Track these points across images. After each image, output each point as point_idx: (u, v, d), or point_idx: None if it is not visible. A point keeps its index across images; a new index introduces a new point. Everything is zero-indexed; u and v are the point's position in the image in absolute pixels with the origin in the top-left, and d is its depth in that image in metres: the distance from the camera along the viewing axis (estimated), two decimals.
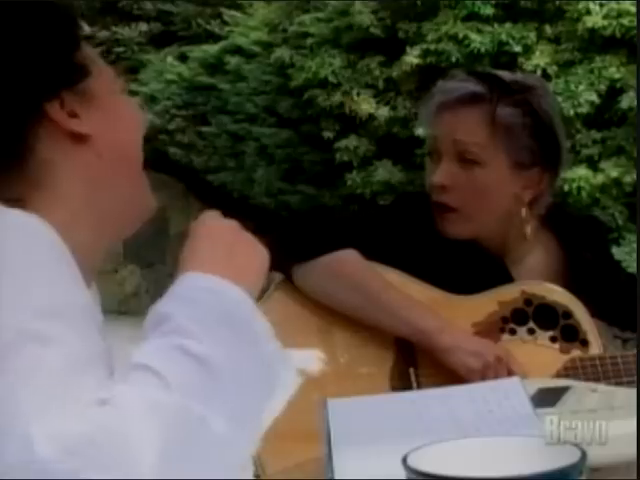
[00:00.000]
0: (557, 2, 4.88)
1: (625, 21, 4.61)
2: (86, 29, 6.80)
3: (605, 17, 4.66)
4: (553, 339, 1.51)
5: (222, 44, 6.21)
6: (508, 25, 4.90)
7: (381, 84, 5.23)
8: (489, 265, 1.56)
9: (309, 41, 5.52)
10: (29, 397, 0.74)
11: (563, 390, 1.18)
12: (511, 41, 4.86)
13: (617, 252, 4.23)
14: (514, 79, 1.58)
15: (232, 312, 0.86)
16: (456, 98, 1.53)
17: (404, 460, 0.82)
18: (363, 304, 1.49)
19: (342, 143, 5.34)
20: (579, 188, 4.60)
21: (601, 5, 4.69)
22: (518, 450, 0.86)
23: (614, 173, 4.61)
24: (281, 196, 5.81)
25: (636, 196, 4.65)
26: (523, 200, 1.55)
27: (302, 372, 0.92)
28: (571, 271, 1.60)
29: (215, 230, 0.97)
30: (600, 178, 4.64)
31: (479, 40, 4.88)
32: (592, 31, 4.71)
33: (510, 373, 1.41)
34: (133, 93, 6.75)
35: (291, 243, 1.54)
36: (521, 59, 4.86)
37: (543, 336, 1.51)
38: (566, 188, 4.55)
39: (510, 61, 4.82)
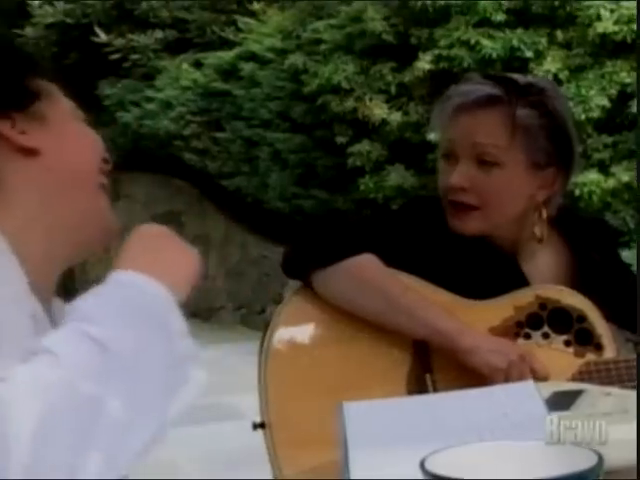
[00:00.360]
0: (568, 8, 4.90)
1: (635, 26, 4.64)
2: (102, 37, 6.86)
3: (616, 22, 4.69)
4: (567, 343, 1.50)
5: (236, 51, 6.25)
6: (519, 31, 4.93)
7: (393, 89, 5.26)
8: (503, 266, 1.56)
9: (322, 47, 5.56)
10: None
11: (577, 393, 1.18)
12: (522, 46, 4.89)
13: (629, 256, 4.24)
14: (528, 82, 1.59)
15: (147, 305, 0.92)
16: (473, 100, 1.52)
17: (422, 464, 0.83)
18: (383, 308, 1.48)
19: (355, 148, 5.36)
20: (590, 192, 4.61)
21: (612, 11, 4.72)
22: (534, 454, 0.87)
23: (625, 177, 4.63)
24: (295, 200, 5.83)
25: None
26: (537, 200, 1.55)
27: None
28: (580, 273, 1.60)
29: (145, 235, 1.03)
30: (611, 182, 4.65)
31: (491, 46, 4.91)
32: (603, 36, 4.74)
33: (533, 372, 1.41)
34: (149, 99, 6.79)
35: (309, 250, 1.54)
36: (532, 64, 4.88)
37: (557, 340, 1.51)
38: (577, 192, 4.57)
39: (521, 66, 4.84)
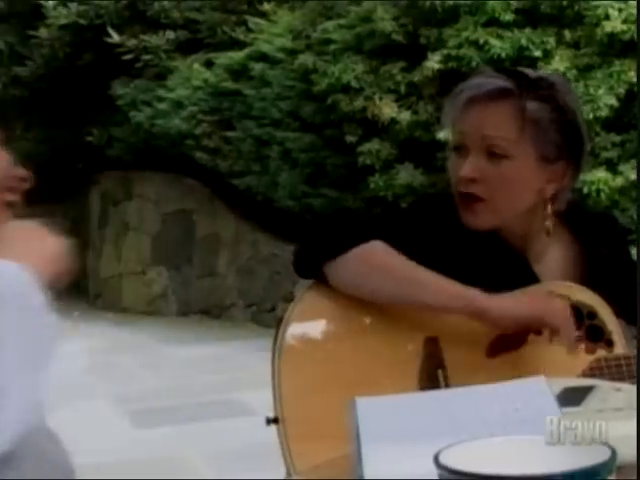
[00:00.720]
0: (576, 7, 4.91)
1: (636, 27, 4.66)
2: (115, 38, 6.90)
3: (624, 22, 4.70)
4: (578, 339, 1.51)
5: (247, 51, 6.25)
6: (528, 30, 4.94)
7: (403, 89, 5.27)
8: (513, 262, 1.56)
9: (332, 47, 5.57)
10: None
11: (588, 389, 1.19)
12: (531, 46, 4.90)
13: (636, 252, 4.27)
14: (538, 76, 1.61)
15: (6, 283, 1.01)
16: (484, 93, 1.54)
17: (436, 458, 0.85)
18: (399, 289, 1.49)
19: (364, 147, 5.37)
20: (598, 190, 4.62)
21: (620, 10, 4.73)
22: (547, 449, 0.88)
23: (633, 175, 4.62)
24: (304, 199, 5.84)
25: None
26: (546, 194, 1.56)
27: None
28: (589, 268, 1.61)
29: (10, 230, 1.14)
30: (619, 180, 4.67)
31: (499, 45, 4.92)
32: (611, 36, 4.74)
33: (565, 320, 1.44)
34: (161, 99, 6.83)
35: (319, 244, 1.55)
36: (541, 64, 4.88)
37: None
38: (585, 190, 4.58)
39: (530, 66, 4.84)
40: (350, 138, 5.48)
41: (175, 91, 6.65)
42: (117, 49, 6.91)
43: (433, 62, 5.07)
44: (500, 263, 1.55)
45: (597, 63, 4.86)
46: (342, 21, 5.63)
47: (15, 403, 0.92)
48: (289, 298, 1.56)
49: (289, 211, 5.99)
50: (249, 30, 6.39)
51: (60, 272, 1.13)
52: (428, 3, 5.17)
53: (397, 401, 1.12)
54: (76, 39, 7.35)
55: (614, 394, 1.18)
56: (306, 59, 5.66)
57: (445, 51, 5.08)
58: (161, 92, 6.77)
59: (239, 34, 6.45)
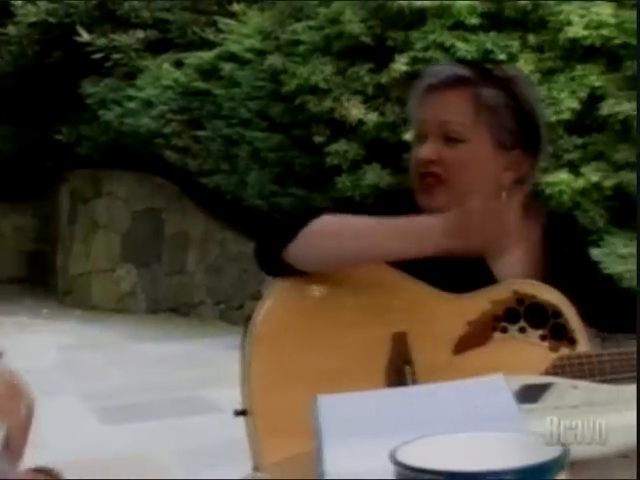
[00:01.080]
0: (540, 12, 4.98)
1: (604, 32, 4.74)
2: (85, 36, 6.90)
3: (585, 27, 4.77)
4: (543, 337, 1.53)
5: (217, 51, 6.27)
6: (493, 34, 5.01)
7: (370, 90, 5.31)
8: (467, 258, 1.53)
9: (301, 48, 5.61)
10: None
11: (546, 387, 1.20)
12: (496, 49, 4.95)
13: (597, 254, 4.34)
14: (497, 68, 1.68)
15: None
16: (441, 80, 1.58)
17: (392, 454, 0.86)
18: (358, 244, 1.49)
19: (332, 147, 5.41)
20: (561, 192, 4.66)
21: (582, 16, 4.81)
22: (501, 445, 0.89)
23: (594, 177, 4.68)
24: (273, 198, 5.88)
25: (617, 200, 4.77)
26: (503, 182, 1.58)
27: None
28: (551, 267, 1.62)
29: None
30: (581, 182, 4.70)
31: (465, 48, 4.97)
32: (573, 41, 4.81)
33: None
34: (130, 98, 6.84)
35: (273, 235, 1.55)
36: (505, 67, 4.97)
37: (533, 334, 1.53)
38: (548, 191, 4.64)
39: None
40: (318, 138, 5.52)
41: (145, 90, 6.65)
42: (87, 48, 6.88)
43: (400, 64, 5.12)
44: (455, 260, 1.53)
45: (560, 67, 4.92)
46: (311, 22, 5.67)
47: None
48: (257, 296, 1.58)
49: (258, 210, 6.01)
50: (219, 30, 6.40)
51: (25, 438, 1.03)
52: (396, 5, 5.22)
53: (359, 398, 1.13)
54: (45, 37, 7.32)
55: (571, 392, 1.20)
56: (275, 60, 5.70)
57: (412, 53, 5.13)
58: (131, 91, 6.77)
59: (209, 34, 6.45)
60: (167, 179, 6.98)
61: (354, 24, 5.35)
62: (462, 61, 1.73)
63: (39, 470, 1.01)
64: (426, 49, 5.10)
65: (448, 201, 1.55)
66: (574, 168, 4.80)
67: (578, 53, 4.89)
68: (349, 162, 5.37)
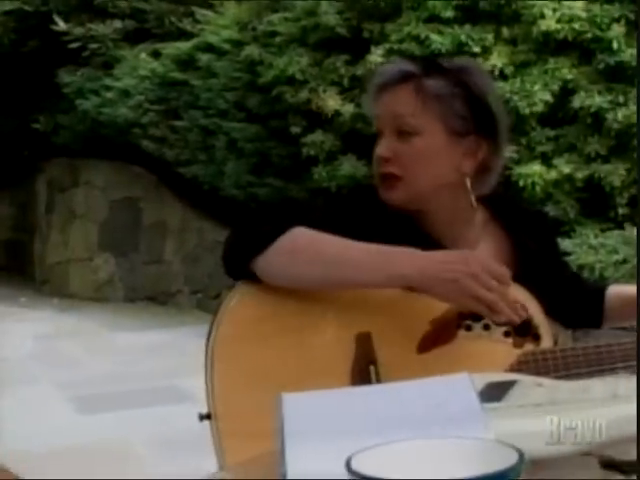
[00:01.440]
0: (514, 6, 5.03)
1: (576, 25, 4.80)
2: (62, 25, 6.89)
3: (558, 21, 4.83)
4: (507, 334, 1.51)
5: (194, 41, 6.28)
6: (467, 27, 5.04)
7: (346, 82, 5.34)
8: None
9: (277, 40, 5.64)
10: None
11: (510, 384, 1.19)
12: (470, 42, 4.99)
13: (569, 244, 4.41)
14: (447, 60, 1.68)
15: None
16: (389, 77, 1.60)
17: (347, 463, 0.84)
18: (327, 271, 1.46)
19: (309, 138, 5.43)
20: (533, 183, 4.71)
21: (554, 10, 4.87)
22: (457, 452, 0.87)
23: (566, 169, 4.74)
24: (250, 188, 5.90)
25: (589, 192, 4.84)
26: (464, 170, 1.58)
27: None
28: (519, 263, 1.61)
29: None
30: (553, 174, 4.76)
31: (440, 41, 5.00)
32: (546, 34, 4.85)
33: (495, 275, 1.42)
34: (108, 88, 6.84)
35: (242, 243, 1.53)
36: (480, 59, 4.96)
37: (497, 331, 1.52)
38: (521, 183, 4.71)
39: None
40: (295, 129, 5.55)
41: (122, 80, 6.66)
42: (63, 37, 6.88)
43: (376, 56, 5.14)
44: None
45: (533, 60, 4.96)
46: (288, 14, 5.69)
47: None
48: (233, 286, 1.61)
49: (235, 200, 6.04)
50: (196, 21, 6.42)
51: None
52: None
53: (324, 397, 1.10)
54: (21, 25, 7.29)
55: (535, 389, 1.19)
56: (252, 51, 5.71)
57: (387, 45, 5.16)
58: (108, 81, 6.77)
59: (186, 25, 6.47)
60: (144, 168, 6.99)
61: (330, 16, 5.37)
62: (409, 57, 1.75)
63: None
64: (401, 41, 5.13)
65: (407, 195, 1.58)
66: (547, 160, 4.85)
67: (551, 46, 4.94)
68: (325, 153, 5.40)
